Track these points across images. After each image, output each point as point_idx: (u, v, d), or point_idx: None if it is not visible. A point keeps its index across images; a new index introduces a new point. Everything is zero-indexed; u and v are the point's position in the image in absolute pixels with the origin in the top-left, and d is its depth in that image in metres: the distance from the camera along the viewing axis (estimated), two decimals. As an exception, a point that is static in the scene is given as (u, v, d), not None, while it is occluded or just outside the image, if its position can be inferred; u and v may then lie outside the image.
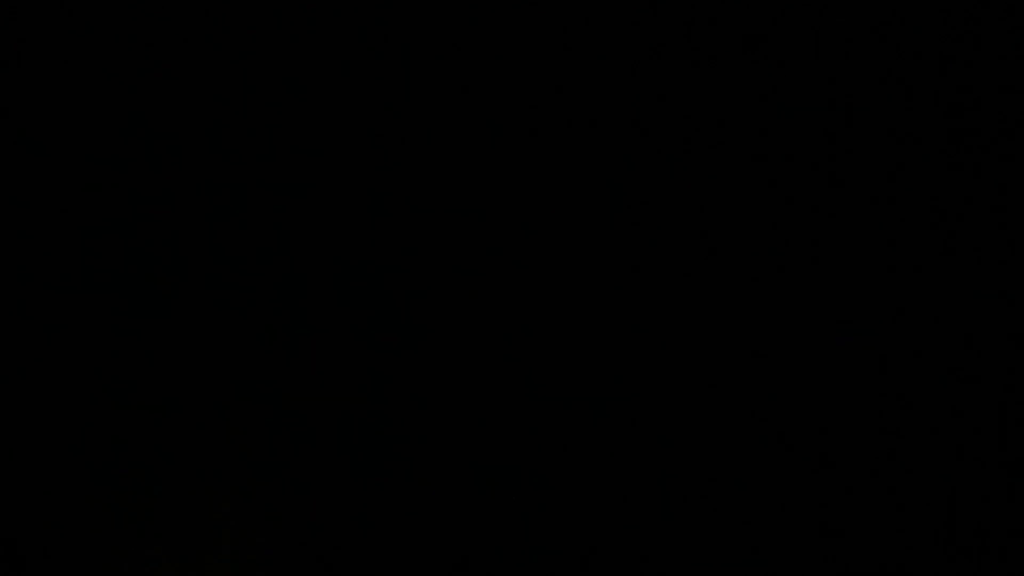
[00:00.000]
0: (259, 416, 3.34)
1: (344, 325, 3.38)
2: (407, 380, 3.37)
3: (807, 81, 3.39)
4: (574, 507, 3.32)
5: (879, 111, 3.38)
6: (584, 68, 3.42)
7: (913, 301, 3.33)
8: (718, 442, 3.33)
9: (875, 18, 3.39)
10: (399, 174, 3.42)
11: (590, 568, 3.30)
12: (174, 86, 3.41)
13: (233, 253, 3.39)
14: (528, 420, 3.36)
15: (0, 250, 3.36)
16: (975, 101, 3.36)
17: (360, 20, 3.43)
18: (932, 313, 3.33)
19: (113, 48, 3.41)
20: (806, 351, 3.34)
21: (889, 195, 3.36)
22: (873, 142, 3.37)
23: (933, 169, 3.36)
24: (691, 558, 3.29)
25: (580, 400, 3.36)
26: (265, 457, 3.33)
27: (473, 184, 3.42)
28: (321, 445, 3.34)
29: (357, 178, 3.42)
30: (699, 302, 3.37)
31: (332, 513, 3.32)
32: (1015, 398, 3.28)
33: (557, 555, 3.31)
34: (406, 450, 3.35)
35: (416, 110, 3.42)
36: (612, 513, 3.32)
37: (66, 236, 3.37)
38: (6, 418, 3.31)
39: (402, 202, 3.42)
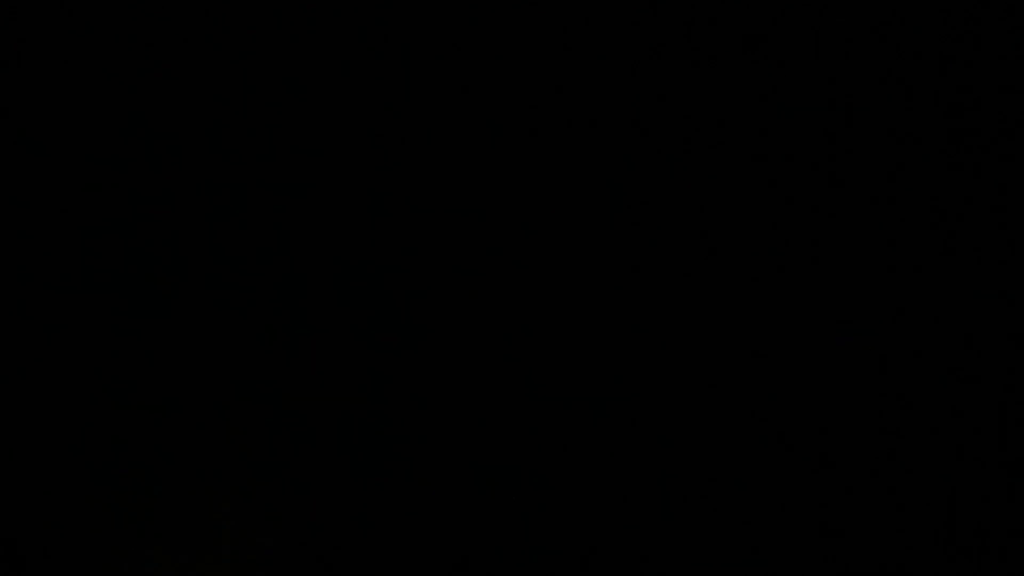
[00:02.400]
0: (259, 416, 3.35)
1: (344, 325, 3.38)
2: (407, 380, 3.37)
3: (807, 81, 3.39)
4: (574, 507, 3.32)
5: (879, 111, 3.38)
6: (584, 68, 3.42)
7: (913, 301, 3.34)
8: (718, 442, 3.33)
9: (875, 18, 3.39)
10: (399, 174, 3.43)
11: (590, 568, 3.30)
12: (174, 86, 3.41)
13: (233, 253, 3.39)
14: (528, 420, 3.36)
15: (0, 250, 3.36)
16: (975, 101, 3.36)
17: (360, 20, 3.43)
18: (932, 313, 3.33)
19: (113, 48, 3.41)
20: (806, 351, 3.34)
21: (889, 195, 3.36)
22: (873, 142, 3.38)
23: (933, 169, 3.36)
24: (691, 558, 3.29)
25: (580, 400, 3.36)
26: (265, 457, 3.33)
27: (473, 184, 3.42)
28: (321, 445, 3.34)
29: (357, 178, 3.42)
30: (699, 302, 3.38)
31: (332, 513, 3.32)
32: (1015, 398, 3.28)
33: (557, 555, 3.31)
34: (406, 450, 3.35)
35: (416, 110, 3.43)
36: (612, 513, 3.32)
37: (66, 236, 3.37)
38: (6, 418, 3.31)
39: (402, 202, 3.42)
